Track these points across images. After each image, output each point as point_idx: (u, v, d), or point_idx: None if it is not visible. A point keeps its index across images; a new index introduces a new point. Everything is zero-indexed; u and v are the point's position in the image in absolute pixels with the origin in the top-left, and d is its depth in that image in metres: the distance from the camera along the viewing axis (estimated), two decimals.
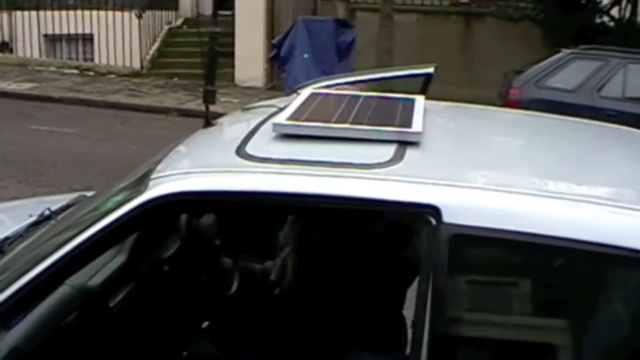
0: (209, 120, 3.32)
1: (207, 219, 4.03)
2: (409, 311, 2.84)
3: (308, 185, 2.47)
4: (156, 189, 2.54)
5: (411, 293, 2.88)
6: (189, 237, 3.83)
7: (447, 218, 2.34)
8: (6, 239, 3.45)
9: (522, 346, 2.46)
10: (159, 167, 2.74)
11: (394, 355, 3.11)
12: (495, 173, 2.67)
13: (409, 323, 2.97)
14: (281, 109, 3.11)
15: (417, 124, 2.82)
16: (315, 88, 3.50)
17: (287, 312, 3.23)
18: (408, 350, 2.79)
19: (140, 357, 3.50)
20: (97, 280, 3.41)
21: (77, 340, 3.19)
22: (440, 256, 2.34)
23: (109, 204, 2.68)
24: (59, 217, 3.48)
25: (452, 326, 2.37)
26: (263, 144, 2.75)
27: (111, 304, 3.44)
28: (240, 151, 2.67)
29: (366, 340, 3.10)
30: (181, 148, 3.07)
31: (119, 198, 2.69)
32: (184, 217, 3.82)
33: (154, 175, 2.65)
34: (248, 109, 3.50)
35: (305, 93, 3.34)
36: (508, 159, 2.95)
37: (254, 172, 2.54)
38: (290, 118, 2.85)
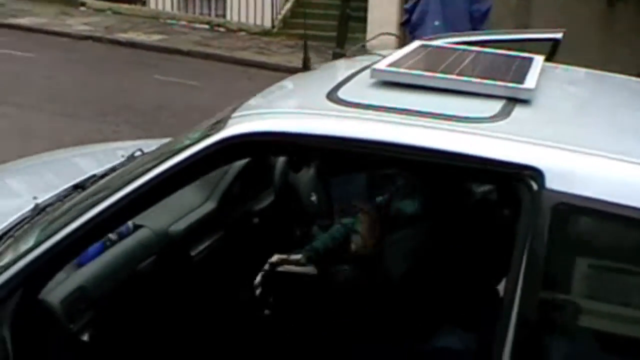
0: (308, 66, 3.13)
1: (305, 174, 3.84)
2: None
3: (398, 134, 2.21)
4: (234, 128, 2.37)
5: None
6: (284, 191, 3.68)
7: (550, 184, 2.05)
8: (92, 176, 3.35)
9: (625, 340, 2.15)
10: (242, 106, 2.57)
11: (481, 334, 2.85)
12: (611, 140, 2.32)
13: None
14: (385, 57, 2.87)
15: (530, 81, 2.54)
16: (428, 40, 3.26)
17: (375, 283, 3.02)
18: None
19: (217, 310, 3.37)
20: (180, 226, 3.29)
21: (151, 285, 3.08)
22: (539, 226, 2.05)
23: (187, 142, 2.52)
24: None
25: (544, 309, 2.09)
26: (358, 89, 2.55)
27: (193, 253, 3.32)
28: (332, 95, 2.47)
29: (454, 317, 2.85)
30: (270, 89, 2.89)
31: (196, 135, 2.53)
32: (279, 170, 3.66)
33: (235, 114, 2.47)
34: (351, 57, 3.30)
35: (414, 44, 3.11)
36: (627, 127, 2.58)
37: (342, 116, 2.32)
38: (392, 65, 2.63)
